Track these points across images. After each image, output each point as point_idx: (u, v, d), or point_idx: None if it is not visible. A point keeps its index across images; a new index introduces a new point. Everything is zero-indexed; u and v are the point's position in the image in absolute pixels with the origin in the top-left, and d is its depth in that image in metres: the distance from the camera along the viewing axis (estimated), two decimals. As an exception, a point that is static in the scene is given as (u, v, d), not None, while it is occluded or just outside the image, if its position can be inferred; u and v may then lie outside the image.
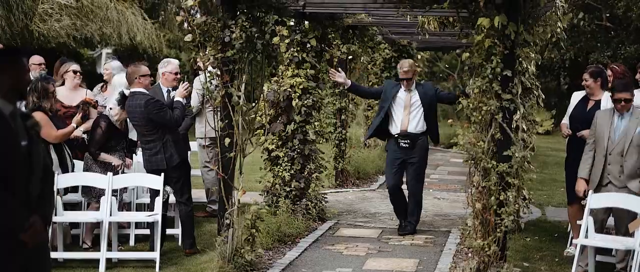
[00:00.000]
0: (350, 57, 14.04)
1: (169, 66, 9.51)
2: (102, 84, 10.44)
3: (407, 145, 9.85)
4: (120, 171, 8.60)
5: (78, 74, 9.56)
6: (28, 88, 8.60)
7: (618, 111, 7.80)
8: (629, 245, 7.52)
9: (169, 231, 8.97)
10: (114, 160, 8.68)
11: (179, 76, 9.63)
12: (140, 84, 8.42)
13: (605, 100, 8.42)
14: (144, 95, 8.34)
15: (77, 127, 8.73)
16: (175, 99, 8.63)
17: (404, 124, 9.88)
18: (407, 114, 9.88)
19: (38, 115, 8.21)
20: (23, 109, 8.71)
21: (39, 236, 4.30)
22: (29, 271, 4.29)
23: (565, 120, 9.05)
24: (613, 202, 7.78)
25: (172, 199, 8.90)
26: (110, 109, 8.77)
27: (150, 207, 8.66)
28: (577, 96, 9.09)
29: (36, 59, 10.60)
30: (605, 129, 7.86)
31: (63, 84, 9.55)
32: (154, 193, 8.53)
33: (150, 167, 8.50)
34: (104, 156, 8.68)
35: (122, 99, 8.59)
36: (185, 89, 8.68)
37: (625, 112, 7.80)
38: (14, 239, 4.16)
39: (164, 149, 8.41)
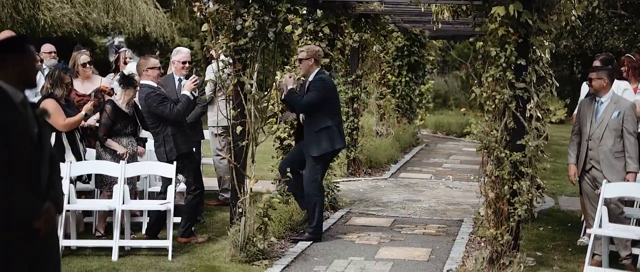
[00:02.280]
0: (362, 45, 13.98)
1: (177, 55, 9.61)
2: (113, 72, 10.43)
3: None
4: (125, 159, 8.57)
5: (87, 65, 9.57)
6: (46, 74, 8.69)
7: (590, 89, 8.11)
8: (641, 234, 7.51)
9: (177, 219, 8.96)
10: (120, 148, 8.67)
11: (187, 65, 9.64)
12: (148, 76, 8.41)
13: (616, 88, 8.39)
14: (148, 87, 8.37)
15: (86, 114, 8.72)
16: (181, 93, 8.63)
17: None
18: None
19: (49, 103, 8.23)
20: (39, 93, 8.77)
21: (53, 223, 4.32)
22: (39, 260, 4.30)
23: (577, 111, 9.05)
24: (626, 192, 7.78)
25: (180, 187, 8.91)
26: (116, 93, 8.80)
27: (162, 195, 8.67)
28: (586, 86, 9.07)
29: (47, 47, 10.62)
30: (588, 115, 8.05)
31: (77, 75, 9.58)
32: (168, 181, 8.54)
33: (158, 159, 8.55)
34: (110, 143, 8.68)
35: (123, 79, 8.62)
36: (193, 83, 8.65)
37: (604, 98, 7.96)
38: (27, 230, 4.17)
39: (165, 142, 8.42)
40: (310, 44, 9.19)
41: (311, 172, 8.79)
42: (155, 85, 8.43)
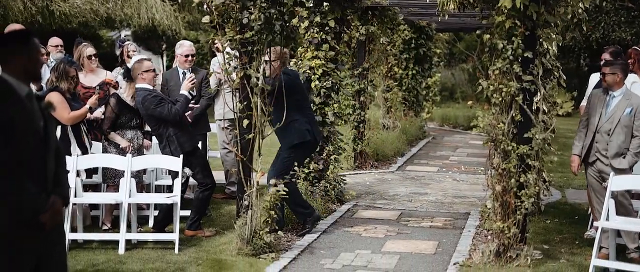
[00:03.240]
0: (369, 38, 13.96)
1: (180, 48, 9.65)
2: (119, 65, 10.43)
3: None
4: (128, 152, 8.57)
5: (93, 58, 9.57)
6: (51, 67, 8.69)
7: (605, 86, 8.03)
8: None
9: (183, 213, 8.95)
10: (123, 142, 8.68)
11: (190, 58, 9.66)
12: (144, 79, 8.41)
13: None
14: (144, 90, 8.37)
15: (91, 108, 8.71)
16: (180, 92, 8.63)
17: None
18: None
19: (54, 96, 8.24)
20: (44, 86, 8.77)
21: (59, 216, 4.32)
22: (45, 254, 4.31)
23: (585, 102, 9.04)
24: (634, 185, 7.76)
25: (191, 180, 8.92)
26: (121, 87, 8.80)
27: (169, 188, 8.68)
28: (595, 78, 9.09)
29: (54, 40, 10.62)
30: (598, 107, 8.00)
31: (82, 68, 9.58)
32: (174, 175, 8.55)
33: None
34: (113, 136, 8.69)
35: (127, 72, 8.63)
36: (190, 82, 8.64)
37: (616, 92, 7.91)
38: (33, 223, 4.17)
39: (169, 143, 8.44)
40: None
41: (280, 163, 8.61)
42: (151, 87, 8.44)
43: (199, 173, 8.58)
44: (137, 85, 8.45)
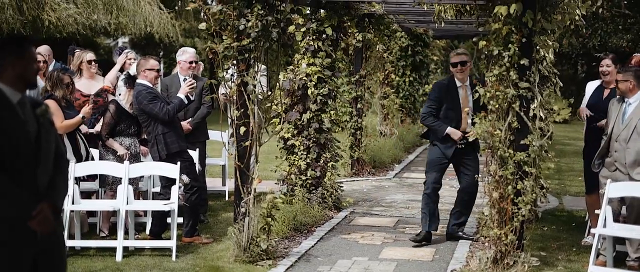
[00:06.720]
0: (366, 45, 13.98)
1: (184, 55, 9.61)
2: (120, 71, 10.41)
3: (462, 146, 8.82)
4: (125, 159, 8.56)
5: (93, 63, 9.55)
6: (46, 76, 8.68)
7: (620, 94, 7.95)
8: (647, 234, 7.47)
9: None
10: (120, 149, 8.68)
11: (194, 65, 9.65)
12: (145, 77, 8.42)
13: None
14: (142, 86, 8.38)
15: (84, 117, 8.68)
16: (177, 95, 8.63)
17: (462, 124, 8.83)
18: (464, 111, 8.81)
19: (49, 104, 8.20)
20: (40, 95, 8.75)
21: (49, 223, 4.26)
22: (42, 260, 4.28)
23: (584, 107, 9.01)
24: (631, 192, 7.73)
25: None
26: (119, 94, 8.80)
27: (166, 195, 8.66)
28: (591, 86, 9.06)
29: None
30: (613, 115, 7.93)
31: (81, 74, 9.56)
32: (167, 181, 8.53)
33: (152, 158, 8.63)
34: (111, 143, 8.69)
35: (128, 79, 8.63)
36: (189, 86, 8.63)
37: (632, 99, 7.82)
38: (24, 228, 4.15)
39: (156, 142, 8.44)
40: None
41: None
42: (151, 85, 8.44)
43: (184, 175, 8.56)
44: (137, 81, 8.47)
